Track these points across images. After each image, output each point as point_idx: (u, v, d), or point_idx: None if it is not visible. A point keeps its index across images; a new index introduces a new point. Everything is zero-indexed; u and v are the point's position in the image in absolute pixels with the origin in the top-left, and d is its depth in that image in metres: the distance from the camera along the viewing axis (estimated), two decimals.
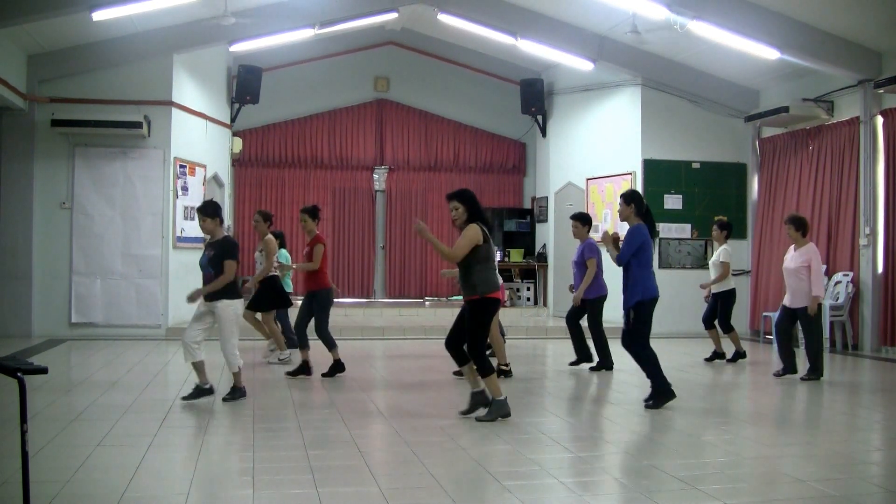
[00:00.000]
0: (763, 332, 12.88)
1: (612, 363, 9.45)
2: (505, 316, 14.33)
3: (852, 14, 10.91)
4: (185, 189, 12.85)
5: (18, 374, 3.78)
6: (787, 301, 8.95)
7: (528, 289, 16.67)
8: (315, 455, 5.42)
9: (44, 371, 3.89)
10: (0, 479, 4.65)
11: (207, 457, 5.48)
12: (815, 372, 8.73)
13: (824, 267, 11.97)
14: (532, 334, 13.50)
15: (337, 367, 8.79)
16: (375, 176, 17.46)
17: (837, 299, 11.68)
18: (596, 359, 9.56)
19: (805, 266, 8.71)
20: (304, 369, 8.69)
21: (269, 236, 9.96)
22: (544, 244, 16.48)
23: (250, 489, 4.64)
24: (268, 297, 9.93)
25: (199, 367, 7.21)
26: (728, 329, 10.49)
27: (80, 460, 5.20)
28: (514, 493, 4.60)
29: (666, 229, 13.76)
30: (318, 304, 8.84)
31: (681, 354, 11.24)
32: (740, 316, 13.93)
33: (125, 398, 7.42)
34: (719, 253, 10.44)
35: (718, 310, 10.48)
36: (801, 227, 8.88)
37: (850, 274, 11.68)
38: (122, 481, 4.73)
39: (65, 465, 5.10)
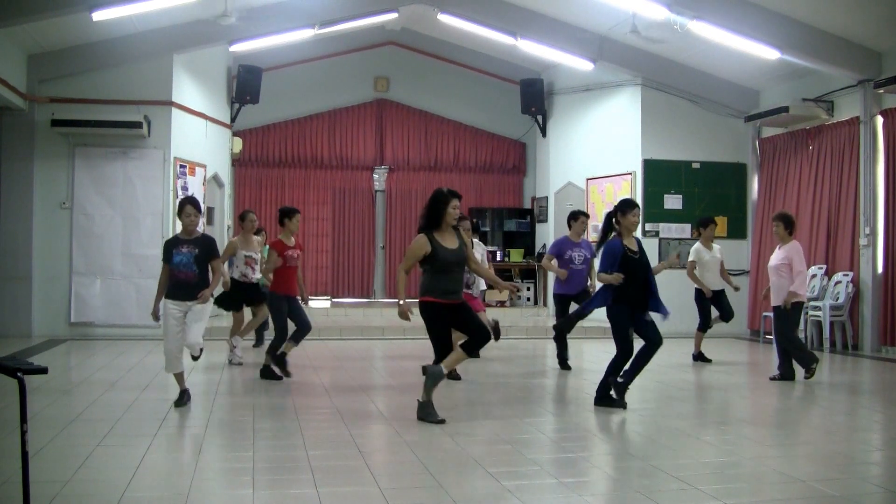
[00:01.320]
0: (763, 333, 12.87)
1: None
2: (505, 316, 14.36)
3: (852, 14, 10.91)
4: (185, 189, 12.85)
5: (18, 374, 3.79)
6: (772, 300, 8.89)
7: (528, 289, 16.66)
8: (315, 455, 5.42)
9: (44, 371, 3.89)
10: (0, 479, 4.65)
11: (207, 457, 5.48)
12: (785, 372, 8.69)
13: (823, 267, 12.00)
14: (532, 334, 13.49)
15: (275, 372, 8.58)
16: (375, 176, 17.46)
17: (837, 299, 11.67)
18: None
19: (786, 264, 8.60)
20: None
21: (233, 240, 10.18)
22: (544, 244, 16.46)
23: (250, 489, 4.64)
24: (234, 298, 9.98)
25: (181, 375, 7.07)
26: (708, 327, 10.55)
27: (80, 460, 5.20)
28: (514, 493, 4.60)
29: (666, 229, 13.77)
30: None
31: (681, 355, 11.23)
32: (741, 316, 13.95)
33: (125, 398, 7.42)
34: (719, 250, 10.49)
35: (724, 305, 10.52)
36: (789, 225, 8.78)
37: (850, 274, 11.67)
38: (122, 481, 4.73)
39: (65, 465, 5.10)
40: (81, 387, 8.15)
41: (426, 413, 6.46)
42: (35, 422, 6.08)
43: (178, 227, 12.63)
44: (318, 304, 15.43)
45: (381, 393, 8.12)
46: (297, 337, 8.65)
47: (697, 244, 10.51)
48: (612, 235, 7.24)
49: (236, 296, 9.97)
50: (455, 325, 6.62)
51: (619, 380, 7.14)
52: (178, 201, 7.35)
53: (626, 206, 7.24)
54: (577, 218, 9.69)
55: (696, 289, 10.42)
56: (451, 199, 6.51)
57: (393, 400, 7.72)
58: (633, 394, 8.26)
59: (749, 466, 5.36)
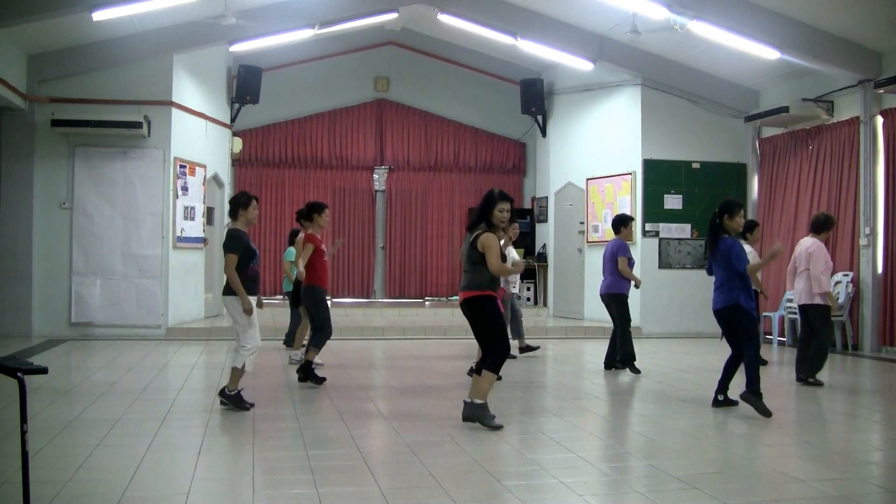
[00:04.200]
0: (763, 332, 12.86)
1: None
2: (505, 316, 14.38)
3: (852, 14, 10.91)
4: (185, 189, 12.85)
5: (18, 374, 3.79)
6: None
7: (528, 289, 16.66)
8: (315, 455, 5.42)
9: (44, 371, 3.89)
10: (0, 479, 4.65)
11: (207, 457, 5.47)
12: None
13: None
14: (532, 334, 13.44)
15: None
16: (375, 176, 17.46)
17: (837, 299, 11.66)
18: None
19: None
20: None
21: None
22: (544, 244, 16.47)
23: (250, 489, 4.64)
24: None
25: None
26: None
27: (80, 460, 5.20)
28: (514, 493, 4.60)
29: (666, 229, 13.76)
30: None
31: (681, 354, 11.24)
32: None
33: (125, 398, 7.42)
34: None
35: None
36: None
37: (850, 274, 11.67)
38: (122, 481, 4.73)
39: (65, 465, 5.10)
40: (81, 387, 8.14)
41: (483, 416, 6.30)
42: (35, 422, 6.08)
43: (179, 227, 12.77)
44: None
45: (381, 392, 8.12)
46: (320, 342, 8.52)
47: (749, 247, 10.34)
48: (724, 235, 7.15)
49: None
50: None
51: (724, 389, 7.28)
52: (238, 194, 7.15)
53: (736, 207, 7.20)
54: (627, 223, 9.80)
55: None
56: (499, 202, 6.52)
57: (393, 400, 7.72)
58: (633, 394, 8.27)
59: (749, 466, 5.36)
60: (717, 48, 12.17)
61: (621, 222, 9.75)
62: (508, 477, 4.97)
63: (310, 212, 8.77)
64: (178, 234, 12.70)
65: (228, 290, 6.86)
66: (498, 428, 6.21)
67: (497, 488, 4.73)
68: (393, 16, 14.14)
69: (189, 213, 12.96)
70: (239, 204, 7.01)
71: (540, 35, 13.29)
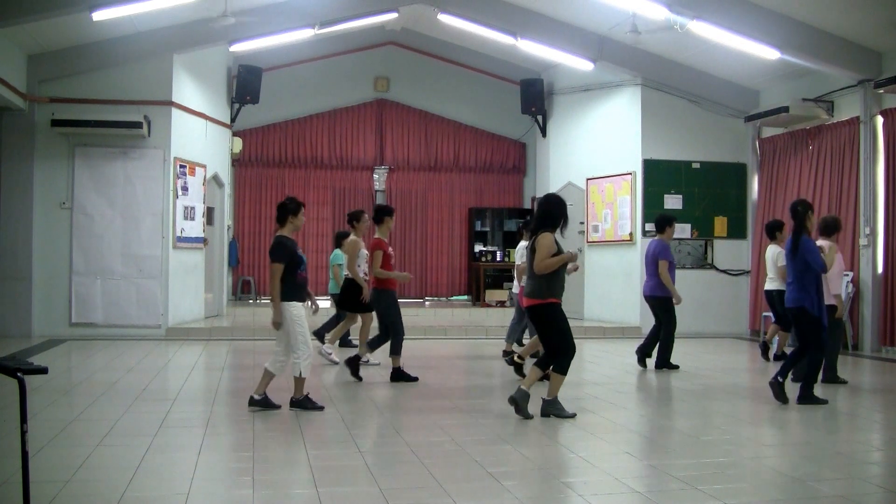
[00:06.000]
0: (763, 333, 12.86)
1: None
2: (505, 316, 14.36)
3: (852, 14, 10.91)
4: (185, 189, 12.85)
5: (18, 374, 3.79)
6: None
7: None
8: (315, 455, 5.42)
9: (44, 371, 3.89)
10: (0, 479, 4.65)
11: (207, 457, 5.47)
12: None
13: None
14: (532, 334, 13.45)
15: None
16: (375, 176, 17.46)
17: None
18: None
19: None
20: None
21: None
22: None
23: (250, 489, 4.64)
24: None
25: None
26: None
27: (80, 460, 5.20)
28: (514, 493, 4.60)
29: None
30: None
31: (681, 354, 11.22)
32: (741, 316, 13.95)
33: (125, 398, 7.42)
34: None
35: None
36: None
37: (850, 274, 11.67)
38: (122, 481, 4.73)
39: (65, 465, 5.10)
40: (81, 387, 8.14)
41: (557, 410, 6.69)
42: (35, 422, 6.08)
43: (179, 227, 12.76)
44: (319, 305, 15.38)
45: (381, 392, 8.11)
46: (376, 344, 8.80)
47: (779, 248, 10.15)
48: (804, 235, 7.40)
49: (360, 296, 9.47)
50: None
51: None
52: (287, 200, 7.04)
53: (811, 207, 7.50)
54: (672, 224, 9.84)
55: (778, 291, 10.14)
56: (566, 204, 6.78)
57: (393, 399, 7.72)
58: (633, 394, 8.27)
59: (749, 466, 5.36)
60: (717, 48, 12.17)
61: (666, 222, 9.71)
62: (508, 477, 4.97)
63: (380, 215, 8.81)
64: (179, 234, 12.69)
65: (285, 297, 6.75)
66: (572, 416, 6.66)
67: (497, 488, 4.73)
68: (393, 16, 14.14)
69: (189, 213, 12.96)
70: (288, 210, 6.94)
71: (540, 35, 13.29)
